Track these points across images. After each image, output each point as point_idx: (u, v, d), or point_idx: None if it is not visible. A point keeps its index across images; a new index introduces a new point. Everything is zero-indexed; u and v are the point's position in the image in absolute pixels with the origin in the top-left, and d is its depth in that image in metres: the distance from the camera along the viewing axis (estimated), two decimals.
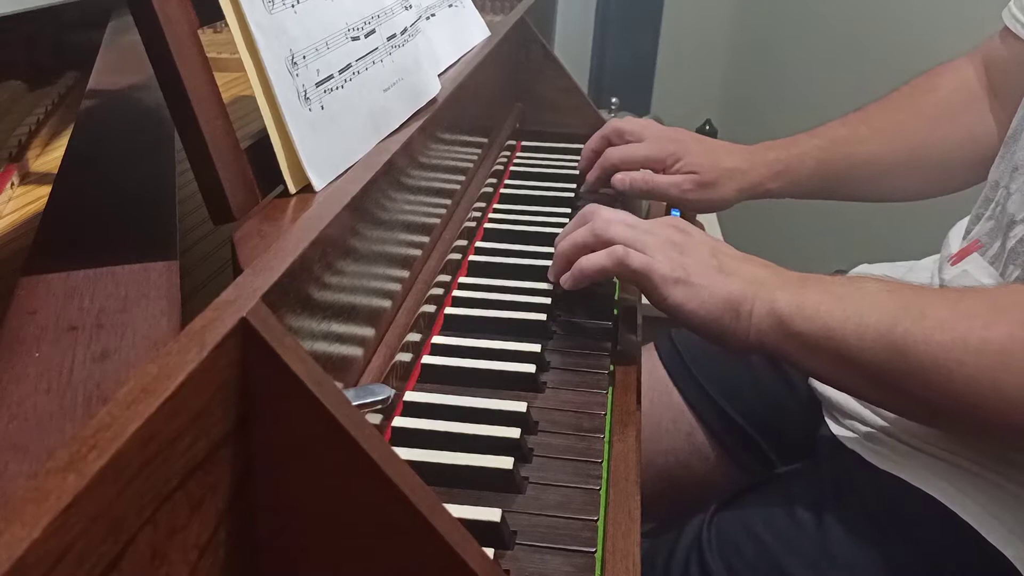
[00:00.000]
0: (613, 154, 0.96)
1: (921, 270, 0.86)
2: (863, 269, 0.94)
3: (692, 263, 0.65)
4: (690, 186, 0.92)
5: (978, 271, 0.70)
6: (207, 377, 0.32)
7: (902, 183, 0.93)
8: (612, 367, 0.67)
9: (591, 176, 0.98)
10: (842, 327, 0.58)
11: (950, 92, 0.91)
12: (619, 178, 0.94)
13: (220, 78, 0.50)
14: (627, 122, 0.99)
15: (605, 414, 0.61)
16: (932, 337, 0.55)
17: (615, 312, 0.75)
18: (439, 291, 0.71)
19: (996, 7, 0.87)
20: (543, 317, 0.70)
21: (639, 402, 0.65)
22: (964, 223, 0.78)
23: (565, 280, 0.70)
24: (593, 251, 0.69)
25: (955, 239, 0.78)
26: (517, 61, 1.15)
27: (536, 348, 0.66)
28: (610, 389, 0.65)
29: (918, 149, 0.90)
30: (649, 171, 0.94)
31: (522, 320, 0.70)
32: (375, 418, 0.53)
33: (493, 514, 0.48)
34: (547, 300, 0.73)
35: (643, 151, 0.94)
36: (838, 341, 0.59)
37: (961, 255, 0.73)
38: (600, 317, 0.73)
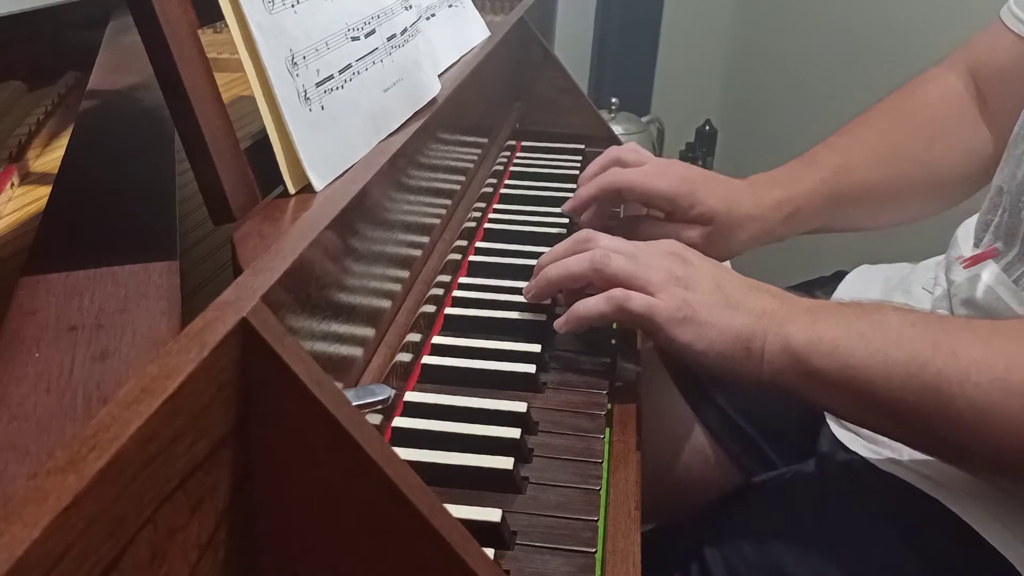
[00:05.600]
0: (619, 177, 0.81)
1: (923, 270, 0.85)
2: (864, 269, 0.94)
3: (697, 299, 0.62)
4: (700, 240, 0.80)
5: (991, 277, 0.70)
6: (207, 377, 0.32)
7: (905, 207, 0.90)
8: (612, 360, 0.67)
9: (584, 192, 0.83)
10: (865, 366, 0.56)
11: (939, 105, 0.88)
12: None
13: (220, 78, 0.50)
14: (629, 151, 0.86)
15: (605, 414, 0.61)
16: (968, 378, 0.52)
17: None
18: (439, 291, 0.71)
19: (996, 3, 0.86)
20: (543, 317, 0.70)
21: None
22: (971, 223, 0.77)
23: (560, 326, 0.66)
24: (587, 282, 0.66)
25: (963, 239, 0.76)
26: (517, 61, 1.15)
27: (536, 348, 0.66)
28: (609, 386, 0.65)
29: (920, 168, 0.87)
30: (656, 221, 0.83)
31: (522, 320, 0.70)
32: (375, 418, 0.53)
33: (493, 514, 0.48)
34: (547, 301, 0.73)
35: (657, 184, 0.80)
36: (862, 381, 0.56)
37: (975, 260, 0.73)
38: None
